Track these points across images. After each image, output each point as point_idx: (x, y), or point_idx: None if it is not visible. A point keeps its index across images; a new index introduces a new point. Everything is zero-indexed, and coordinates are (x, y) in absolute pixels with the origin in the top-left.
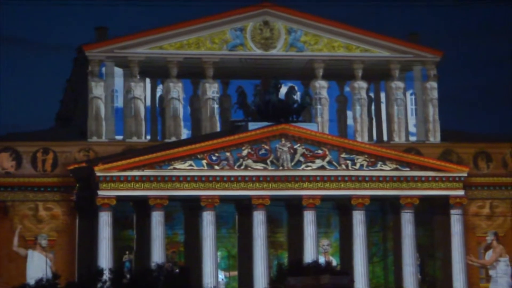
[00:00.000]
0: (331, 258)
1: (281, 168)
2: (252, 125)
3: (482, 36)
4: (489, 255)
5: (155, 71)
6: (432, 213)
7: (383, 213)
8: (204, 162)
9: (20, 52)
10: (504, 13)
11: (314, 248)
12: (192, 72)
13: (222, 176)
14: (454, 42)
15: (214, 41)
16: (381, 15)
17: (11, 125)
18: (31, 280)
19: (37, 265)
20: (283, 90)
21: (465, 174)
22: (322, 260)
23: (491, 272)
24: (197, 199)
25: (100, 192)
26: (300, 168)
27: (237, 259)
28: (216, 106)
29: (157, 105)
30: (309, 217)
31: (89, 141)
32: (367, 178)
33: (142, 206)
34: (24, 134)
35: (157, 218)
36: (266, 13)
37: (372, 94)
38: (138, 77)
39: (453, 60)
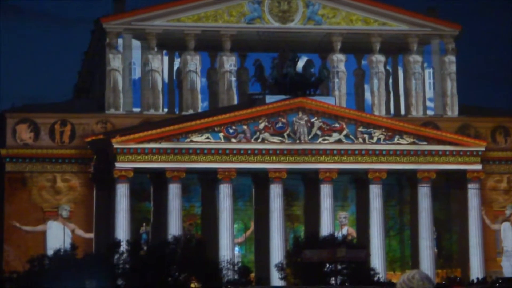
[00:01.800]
0: (351, 229)
1: (298, 141)
2: (269, 98)
3: (501, 11)
4: (505, 226)
5: (173, 43)
6: (449, 187)
7: (400, 187)
8: (221, 135)
9: (39, 24)
10: None
11: (331, 222)
12: (210, 45)
13: (239, 149)
14: (472, 16)
15: (231, 14)
16: None
17: (30, 96)
18: (50, 251)
19: (57, 236)
20: (301, 63)
21: (483, 149)
22: (344, 231)
23: (505, 245)
24: (214, 171)
25: (117, 164)
26: (317, 142)
27: (254, 232)
28: (233, 79)
29: (174, 78)
30: (325, 191)
31: (107, 113)
32: (384, 152)
33: (159, 179)
34: (42, 105)
35: (174, 191)
36: None
37: (389, 68)
38: (155, 49)
39: (471, 34)
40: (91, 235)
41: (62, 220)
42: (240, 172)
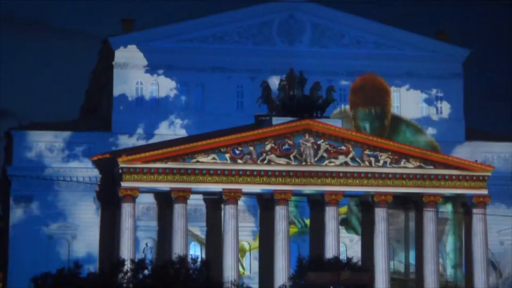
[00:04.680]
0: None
1: (304, 163)
2: (276, 120)
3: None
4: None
5: (181, 63)
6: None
7: (405, 211)
8: (227, 155)
9: (47, 38)
10: None
11: (335, 244)
12: (218, 66)
13: (245, 170)
14: (482, 40)
15: (240, 35)
16: (411, 13)
17: (36, 115)
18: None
19: None
20: (308, 85)
21: (489, 174)
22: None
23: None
24: (219, 192)
25: (123, 184)
26: (323, 164)
27: (259, 253)
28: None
29: (181, 98)
30: (331, 213)
31: (113, 133)
32: (390, 175)
33: (165, 198)
34: (49, 124)
35: (179, 211)
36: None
37: None
38: (163, 69)
39: (480, 58)
40: None
41: None
42: (246, 193)
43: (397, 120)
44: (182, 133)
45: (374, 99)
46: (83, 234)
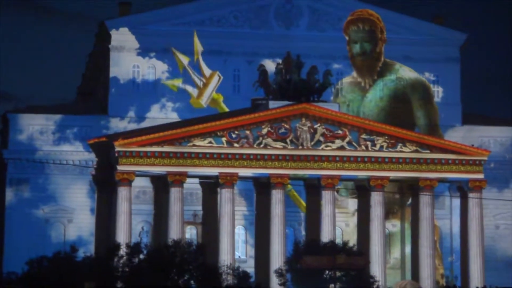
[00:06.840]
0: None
1: (300, 147)
2: (272, 104)
3: (507, 20)
4: None
5: (177, 47)
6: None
7: (401, 195)
8: (223, 139)
9: (43, 19)
10: None
11: (331, 228)
12: (214, 49)
13: (241, 154)
14: (479, 24)
15: (237, 18)
16: None
17: (32, 97)
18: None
19: None
20: (305, 69)
21: (486, 158)
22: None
23: None
24: (215, 176)
25: (119, 167)
26: (320, 148)
27: (254, 237)
28: (237, 83)
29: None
30: (327, 197)
31: (110, 116)
32: (386, 160)
33: (161, 182)
34: (45, 107)
35: (175, 195)
36: None
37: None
38: (159, 53)
39: (478, 42)
40: None
41: None
42: (242, 177)
43: (391, 61)
44: (174, 116)
45: (362, 16)
46: (78, 218)
